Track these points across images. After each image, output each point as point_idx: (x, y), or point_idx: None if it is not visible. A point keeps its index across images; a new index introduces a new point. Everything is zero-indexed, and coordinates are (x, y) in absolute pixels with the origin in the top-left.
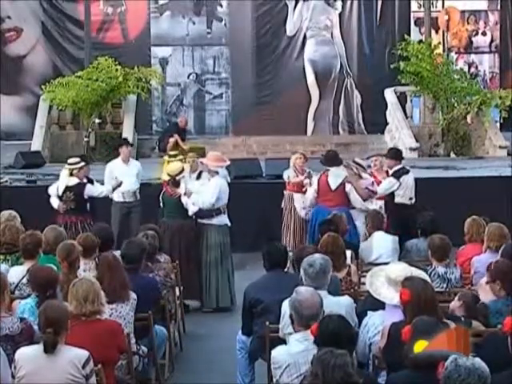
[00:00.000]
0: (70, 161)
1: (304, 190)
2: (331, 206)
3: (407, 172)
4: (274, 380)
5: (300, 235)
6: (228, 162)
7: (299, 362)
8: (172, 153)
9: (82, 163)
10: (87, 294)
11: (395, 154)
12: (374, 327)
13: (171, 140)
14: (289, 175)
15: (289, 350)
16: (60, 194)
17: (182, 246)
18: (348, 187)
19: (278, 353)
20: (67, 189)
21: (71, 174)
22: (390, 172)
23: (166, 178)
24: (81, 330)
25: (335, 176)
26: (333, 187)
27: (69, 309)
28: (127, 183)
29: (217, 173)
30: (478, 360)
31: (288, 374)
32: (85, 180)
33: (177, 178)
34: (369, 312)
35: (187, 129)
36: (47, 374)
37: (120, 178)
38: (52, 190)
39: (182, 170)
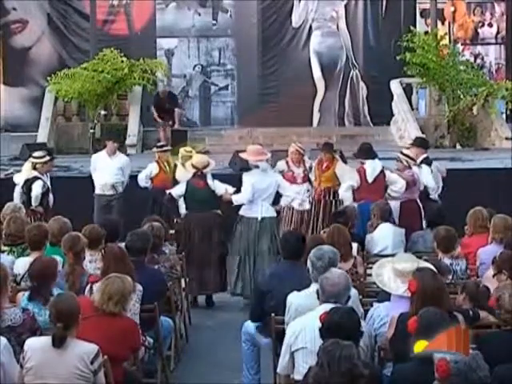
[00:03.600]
0: (35, 154)
1: (299, 181)
2: (371, 199)
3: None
4: (289, 352)
5: (296, 226)
6: (268, 155)
7: (314, 326)
8: (159, 144)
9: (47, 158)
10: (113, 294)
11: (422, 143)
12: (380, 318)
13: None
14: (284, 169)
15: (305, 316)
16: (21, 187)
17: (209, 238)
18: (387, 174)
19: (295, 322)
20: (26, 182)
21: (34, 168)
22: (419, 160)
23: (191, 169)
24: (98, 323)
25: (372, 168)
26: (370, 180)
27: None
28: (106, 176)
29: (257, 167)
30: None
31: (302, 337)
32: (45, 176)
33: (204, 170)
34: (374, 303)
35: (180, 101)
36: (55, 367)
37: (100, 169)
38: (17, 180)
39: (209, 163)
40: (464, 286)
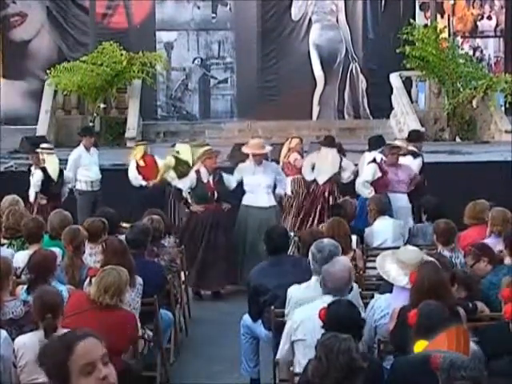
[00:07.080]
0: (45, 146)
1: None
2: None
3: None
4: (289, 341)
5: (300, 218)
6: (269, 148)
7: (314, 318)
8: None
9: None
10: (109, 286)
11: (411, 136)
12: (380, 310)
13: None
14: (296, 158)
15: (305, 308)
16: (55, 178)
17: (211, 231)
18: (343, 160)
19: (296, 312)
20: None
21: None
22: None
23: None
24: (95, 316)
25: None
26: None
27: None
28: (95, 172)
29: (266, 159)
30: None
31: (302, 329)
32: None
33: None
34: (375, 295)
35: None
36: None
37: (87, 165)
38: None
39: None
40: (454, 277)
